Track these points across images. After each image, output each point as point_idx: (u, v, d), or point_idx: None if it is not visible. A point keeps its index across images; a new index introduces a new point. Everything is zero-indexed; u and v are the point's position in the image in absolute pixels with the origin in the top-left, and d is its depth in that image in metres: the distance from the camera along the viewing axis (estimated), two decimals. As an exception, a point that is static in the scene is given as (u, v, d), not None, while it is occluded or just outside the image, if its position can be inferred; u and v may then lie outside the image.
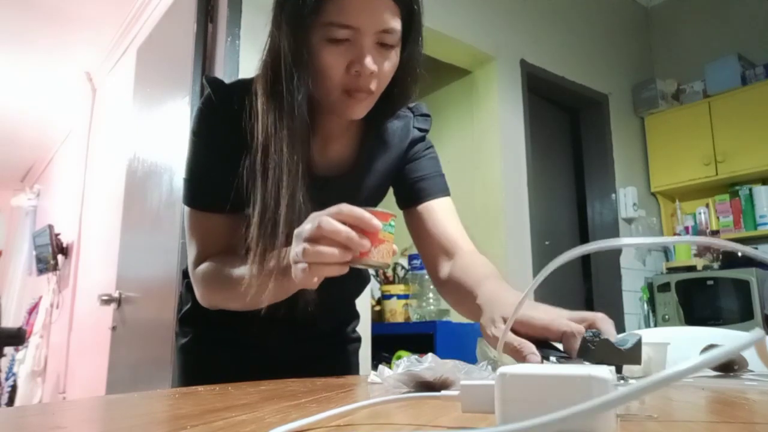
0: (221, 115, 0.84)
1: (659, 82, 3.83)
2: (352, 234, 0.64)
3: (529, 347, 0.63)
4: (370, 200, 0.99)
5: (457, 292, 0.88)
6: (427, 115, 1.01)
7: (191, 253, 0.88)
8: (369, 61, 0.75)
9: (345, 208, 0.65)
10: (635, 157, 3.82)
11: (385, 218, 0.67)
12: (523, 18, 3.29)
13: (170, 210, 2.19)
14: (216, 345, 1.01)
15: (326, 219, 0.64)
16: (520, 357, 0.63)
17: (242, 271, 0.78)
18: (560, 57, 3.42)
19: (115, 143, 3.38)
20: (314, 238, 0.64)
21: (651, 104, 3.81)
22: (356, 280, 1.08)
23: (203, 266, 0.87)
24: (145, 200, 2.52)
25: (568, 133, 3.76)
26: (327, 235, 0.64)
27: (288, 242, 0.73)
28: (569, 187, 3.69)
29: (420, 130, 0.99)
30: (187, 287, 1.07)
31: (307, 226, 0.67)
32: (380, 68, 0.78)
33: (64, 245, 4.12)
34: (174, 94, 2.34)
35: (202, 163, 0.87)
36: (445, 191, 0.99)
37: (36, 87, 4.42)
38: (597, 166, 3.64)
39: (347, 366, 1.12)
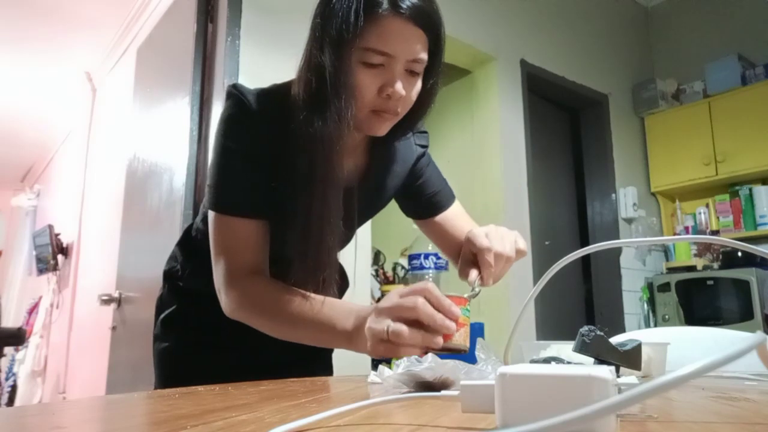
0: (256, 121, 0.86)
1: (659, 82, 3.83)
2: (446, 320, 0.68)
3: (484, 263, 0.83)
4: (377, 210, 1.07)
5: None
6: (425, 132, 1.08)
7: (221, 265, 0.86)
8: (400, 87, 0.82)
9: (432, 291, 0.70)
10: (635, 157, 3.82)
11: (462, 303, 0.72)
12: (523, 18, 3.29)
13: (170, 210, 2.19)
14: (201, 348, 1.00)
15: (422, 301, 0.69)
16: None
17: (300, 312, 0.81)
18: (560, 57, 3.42)
19: (115, 143, 3.38)
20: (404, 319, 0.69)
21: (651, 104, 3.81)
22: (339, 286, 1.12)
23: (250, 286, 0.85)
24: (145, 200, 2.52)
25: (568, 133, 3.76)
26: (422, 318, 0.68)
27: (328, 255, 0.82)
28: (569, 187, 3.69)
29: (421, 146, 1.07)
30: (170, 289, 1.06)
31: (391, 303, 0.71)
32: (407, 93, 0.84)
33: (64, 245, 4.12)
34: (174, 94, 2.34)
35: (235, 167, 0.87)
36: (453, 197, 1.13)
37: (36, 87, 4.42)
38: (597, 166, 3.64)
39: (330, 368, 1.16)
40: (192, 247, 1.05)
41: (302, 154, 0.82)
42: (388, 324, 0.69)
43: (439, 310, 0.69)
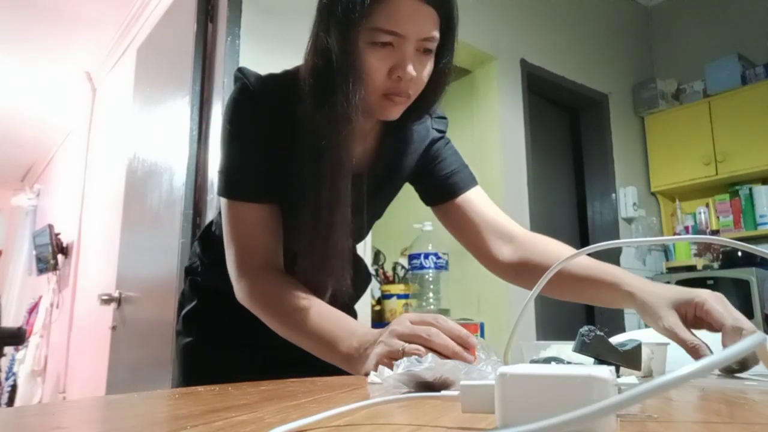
0: (260, 105, 0.85)
1: (659, 81, 3.83)
2: (461, 351, 0.68)
3: (704, 349, 0.75)
4: (389, 198, 1.03)
5: (540, 273, 0.90)
6: (444, 117, 1.04)
7: (232, 251, 0.86)
8: (410, 68, 0.79)
9: (444, 322, 0.70)
10: (635, 156, 3.83)
11: (475, 330, 0.70)
12: (523, 18, 3.29)
13: (170, 210, 2.19)
14: (223, 344, 1.00)
15: (436, 331, 0.68)
16: (696, 355, 0.75)
17: (302, 319, 0.81)
18: (560, 57, 3.43)
19: (115, 143, 3.38)
20: (414, 343, 0.69)
21: (651, 104, 3.81)
22: (360, 286, 1.13)
23: (260, 279, 0.84)
24: (145, 200, 2.52)
25: (568, 133, 3.76)
26: (437, 349, 0.67)
27: (338, 243, 0.80)
28: (569, 187, 3.69)
29: (438, 131, 1.02)
30: (191, 285, 1.06)
31: (406, 329, 0.70)
32: (418, 74, 0.81)
33: (64, 245, 4.12)
34: (174, 94, 2.34)
35: (244, 152, 0.86)
36: (475, 180, 1.04)
37: (36, 87, 4.42)
38: (597, 166, 3.64)
39: None
40: (210, 242, 1.04)
41: (310, 139, 0.81)
42: (403, 345, 0.69)
43: (454, 339, 0.69)
